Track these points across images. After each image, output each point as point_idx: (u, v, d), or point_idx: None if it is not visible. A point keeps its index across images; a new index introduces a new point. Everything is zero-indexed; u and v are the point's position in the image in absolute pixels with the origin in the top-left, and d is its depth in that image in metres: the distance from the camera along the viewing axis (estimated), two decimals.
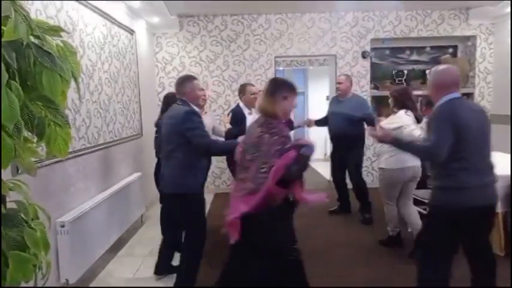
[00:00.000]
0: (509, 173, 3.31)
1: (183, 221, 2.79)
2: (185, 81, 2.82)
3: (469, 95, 5.85)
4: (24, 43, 1.49)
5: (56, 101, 1.63)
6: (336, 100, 4.59)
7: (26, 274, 1.57)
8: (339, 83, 4.44)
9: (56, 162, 2.69)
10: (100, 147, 3.51)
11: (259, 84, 5.80)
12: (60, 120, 1.69)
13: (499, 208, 3.21)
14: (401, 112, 3.34)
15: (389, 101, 3.52)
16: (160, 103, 5.77)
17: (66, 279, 2.68)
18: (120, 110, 4.09)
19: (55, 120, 1.66)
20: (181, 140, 2.64)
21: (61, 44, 1.73)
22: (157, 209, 4.92)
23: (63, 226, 2.63)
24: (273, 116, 2.07)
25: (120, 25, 4.21)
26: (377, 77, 6.14)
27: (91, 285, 3.03)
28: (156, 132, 3.52)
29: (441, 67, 2.40)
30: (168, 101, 3.32)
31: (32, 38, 1.57)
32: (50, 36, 1.69)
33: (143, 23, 5.18)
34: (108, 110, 3.75)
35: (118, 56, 4.10)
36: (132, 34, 4.62)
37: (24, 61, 1.53)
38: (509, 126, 5.05)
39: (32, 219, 1.70)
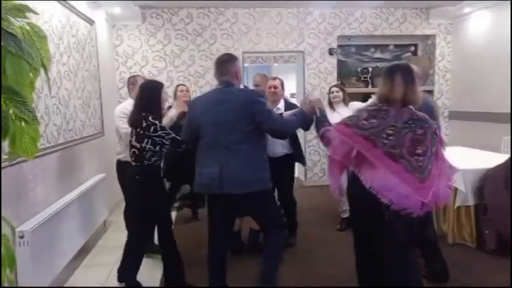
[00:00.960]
0: (477, 167, 3.41)
1: (263, 221, 2.52)
2: (233, 59, 2.48)
3: (430, 92, 6.06)
4: None
5: (22, 93, 1.40)
6: None
7: None
8: (257, 85, 4.09)
9: (12, 164, 2.38)
10: (60, 147, 3.19)
11: None
12: (27, 115, 1.46)
13: (471, 201, 3.31)
14: (355, 103, 3.86)
15: (338, 95, 3.85)
16: (121, 99, 5.46)
17: None
18: (80, 107, 3.76)
19: (21, 115, 1.42)
20: (248, 128, 2.30)
21: (27, 27, 1.49)
22: (120, 213, 4.63)
23: (22, 237, 2.33)
24: (413, 104, 2.01)
25: (79, 14, 3.87)
26: (343, 74, 6.19)
27: None
28: (144, 128, 2.60)
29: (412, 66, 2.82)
30: (150, 87, 2.71)
31: None
32: (13, 17, 1.45)
33: (102, 13, 4.82)
34: (68, 106, 3.43)
35: (77, 47, 3.77)
36: (91, 25, 4.28)
37: None
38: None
39: None
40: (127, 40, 5.46)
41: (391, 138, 1.91)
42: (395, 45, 6.38)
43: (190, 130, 2.50)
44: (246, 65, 7.43)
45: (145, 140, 2.55)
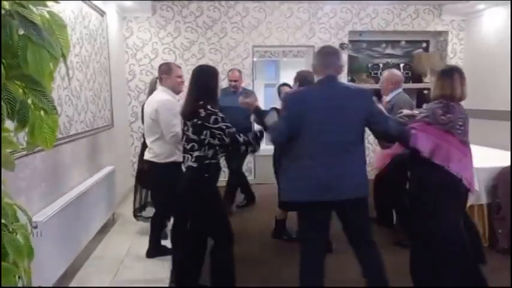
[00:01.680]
0: (490, 165, 3.36)
1: (365, 229, 2.27)
2: (339, 52, 2.28)
3: None
4: (3, 10, 1.24)
5: (42, 83, 1.38)
6: (231, 93, 4.34)
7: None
8: (236, 81, 4.44)
9: (26, 155, 2.37)
10: (71, 138, 3.19)
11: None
12: (47, 105, 1.44)
13: (484, 199, 3.27)
14: None
15: None
16: (130, 91, 5.46)
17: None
18: (91, 98, 3.75)
19: (41, 105, 1.40)
20: (363, 128, 2.16)
21: (47, 16, 1.47)
22: (128, 206, 4.63)
23: (35, 227, 2.33)
24: (464, 99, 2.41)
25: (91, 5, 3.85)
26: (353, 70, 6.13)
27: None
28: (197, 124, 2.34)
29: (394, 70, 3.69)
30: (206, 71, 2.47)
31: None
32: (33, 5, 1.43)
33: (113, 4, 4.80)
34: (80, 97, 3.42)
35: (89, 38, 3.75)
36: (102, 16, 4.26)
37: (5, 32, 1.27)
38: (510, 123, 5.18)
39: (12, 223, 1.45)
40: (137, 32, 5.44)
41: (462, 128, 2.30)
42: (407, 41, 6.30)
43: (290, 127, 2.15)
44: (255, 59, 7.37)
45: (204, 132, 2.27)
